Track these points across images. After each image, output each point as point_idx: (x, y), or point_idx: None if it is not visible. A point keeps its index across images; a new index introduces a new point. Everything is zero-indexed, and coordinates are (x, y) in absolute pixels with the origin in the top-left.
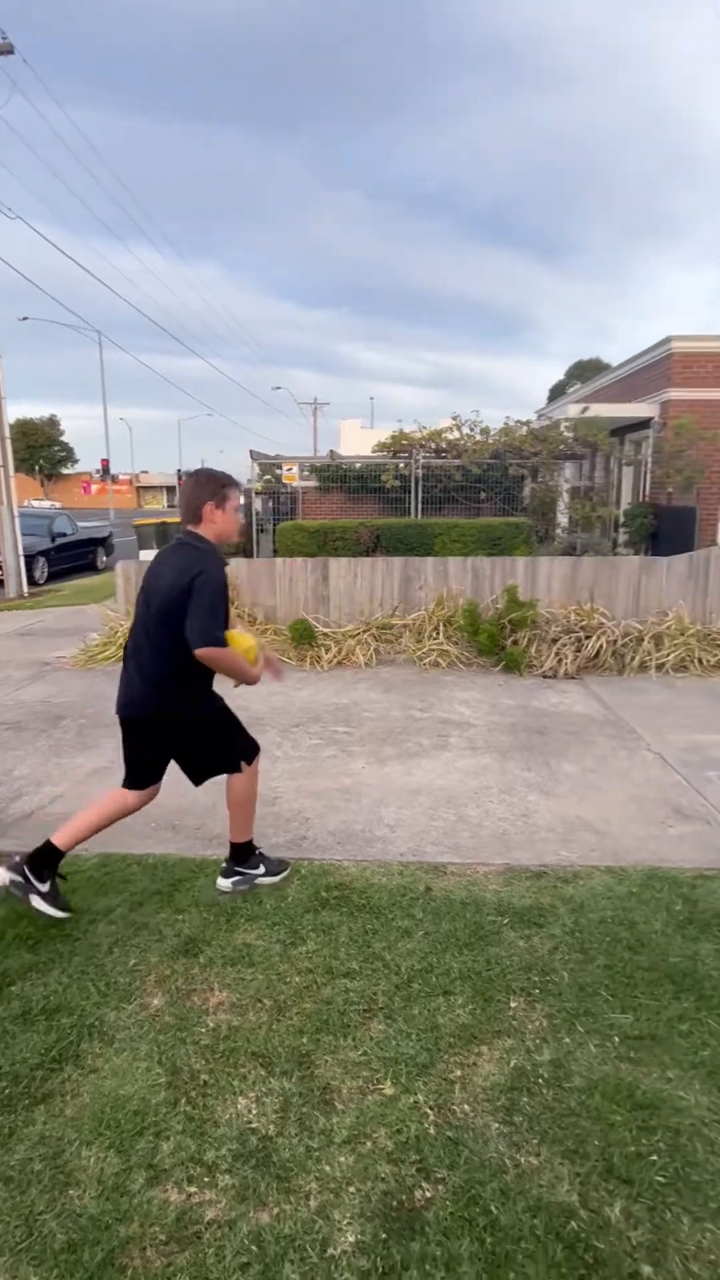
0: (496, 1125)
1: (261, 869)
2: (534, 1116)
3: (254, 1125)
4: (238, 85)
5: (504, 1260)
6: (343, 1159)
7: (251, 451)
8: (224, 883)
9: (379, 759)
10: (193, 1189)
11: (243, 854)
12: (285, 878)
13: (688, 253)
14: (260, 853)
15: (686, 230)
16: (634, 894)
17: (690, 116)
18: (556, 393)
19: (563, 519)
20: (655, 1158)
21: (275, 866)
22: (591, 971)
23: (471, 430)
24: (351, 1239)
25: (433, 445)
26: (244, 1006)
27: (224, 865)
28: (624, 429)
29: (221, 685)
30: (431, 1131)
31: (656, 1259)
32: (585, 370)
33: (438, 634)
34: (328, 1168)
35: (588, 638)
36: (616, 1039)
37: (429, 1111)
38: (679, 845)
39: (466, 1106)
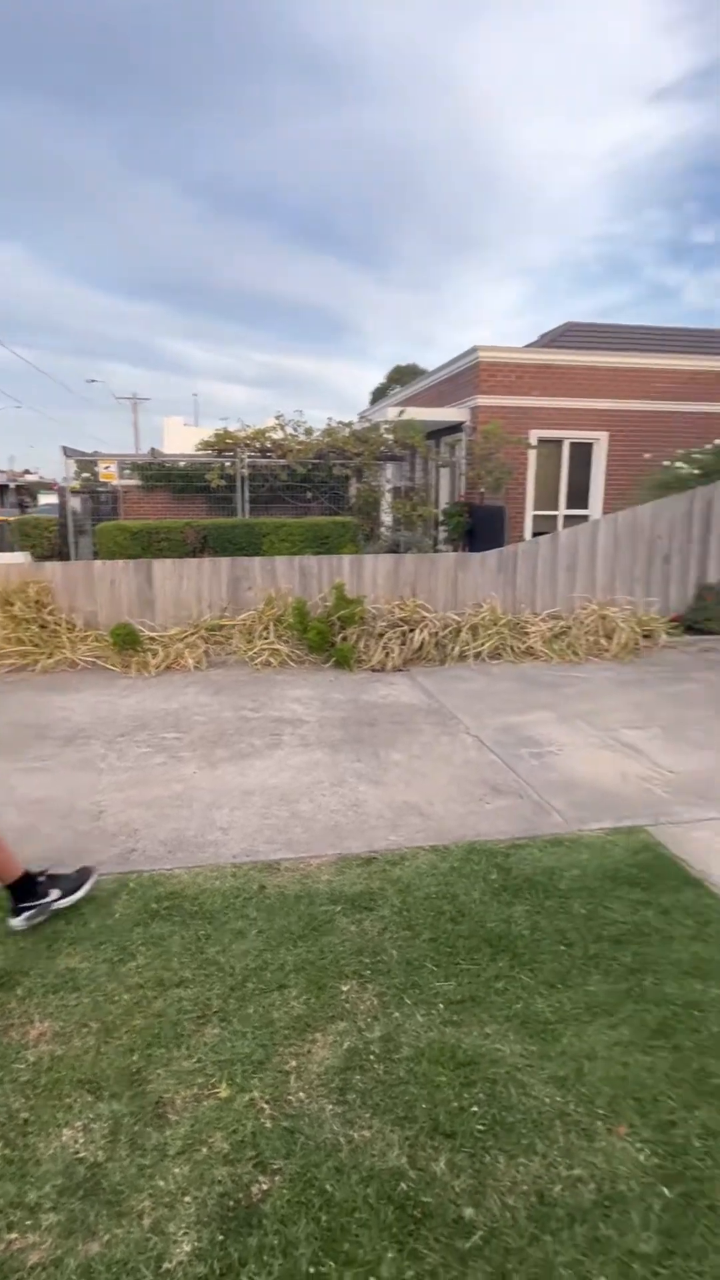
0: (331, 1107)
1: (55, 893)
2: (366, 1092)
3: (81, 1155)
4: (32, 50)
5: (339, 1234)
6: (177, 1170)
7: (65, 448)
8: (16, 921)
9: (211, 762)
10: (13, 1235)
11: (25, 889)
12: (90, 888)
13: (495, 269)
14: (47, 875)
15: (493, 247)
16: (455, 869)
17: (493, 140)
18: (378, 395)
19: (387, 518)
20: (476, 1109)
21: (72, 882)
22: (418, 946)
23: (295, 430)
24: (188, 1248)
25: (257, 444)
26: (68, 1034)
27: (10, 906)
28: (439, 432)
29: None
30: (268, 1125)
31: (477, 1200)
32: (404, 375)
33: (268, 633)
34: (161, 1182)
35: (412, 631)
36: (441, 1006)
37: (265, 1106)
38: (495, 819)
39: (302, 1094)
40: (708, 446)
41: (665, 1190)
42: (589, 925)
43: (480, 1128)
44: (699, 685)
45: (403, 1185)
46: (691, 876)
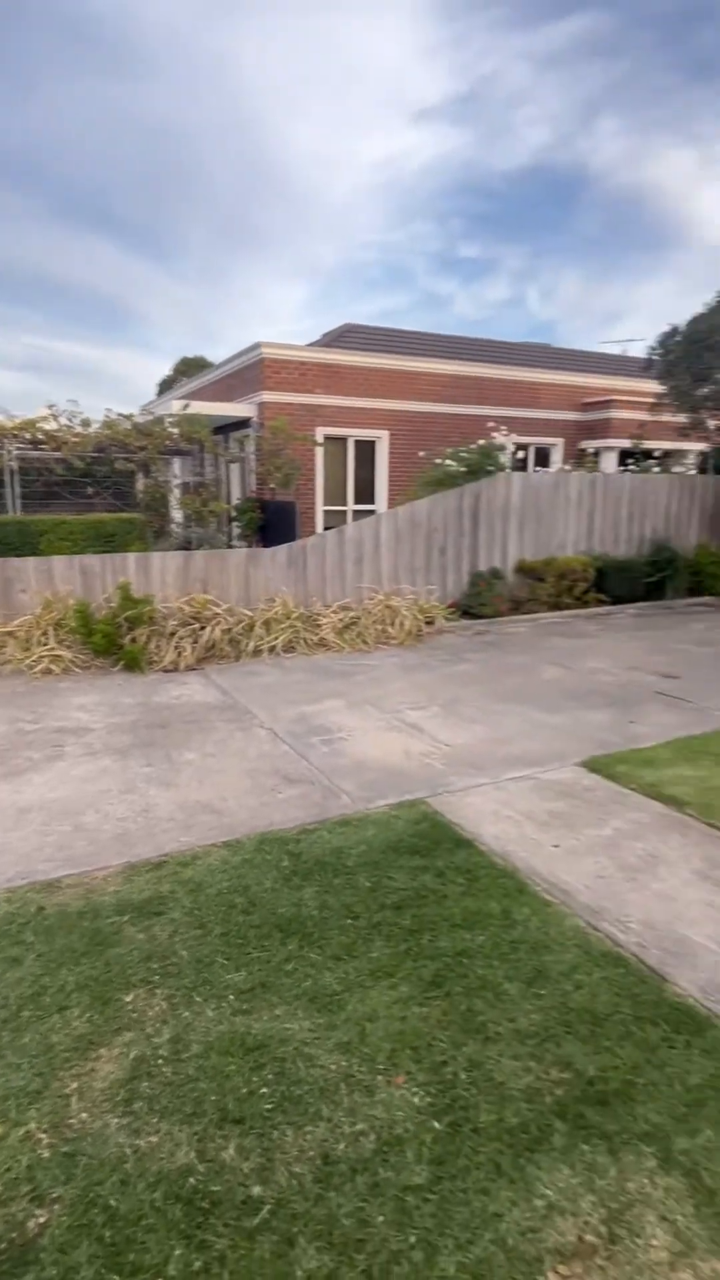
0: (116, 1120)
1: None
2: (154, 1097)
3: None
4: None
5: (125, 1246)
6: None
7: None
8: None
9: None
10: None
11: None
12: None
13: (283, 267)
14: None
15: (279, 245)
16: (247, 860)
17: (275, 137)
18: (166, 387)
19: (177, 514)
20: (265, 1090)
21: None
22: (209, 943)
23: (70, 421)
24: None
25: (28, 436)
26: None
27: None
28: (228, 427)
29: None
30: (45, 1155)
31: (266, 1176)
32: (191, 367)
33: (48, 639)
34: None
35: (204, 628)
36: (231, 997)
37: (42, 1136)
38: (287, 808)
39: (84, 1115)
40: (473, 446)
41: (436, 1124)
42: (373, 896)
43: (269, 1107)
44: (473, 665)
45: (191, 1180)
46: (464, 839)
